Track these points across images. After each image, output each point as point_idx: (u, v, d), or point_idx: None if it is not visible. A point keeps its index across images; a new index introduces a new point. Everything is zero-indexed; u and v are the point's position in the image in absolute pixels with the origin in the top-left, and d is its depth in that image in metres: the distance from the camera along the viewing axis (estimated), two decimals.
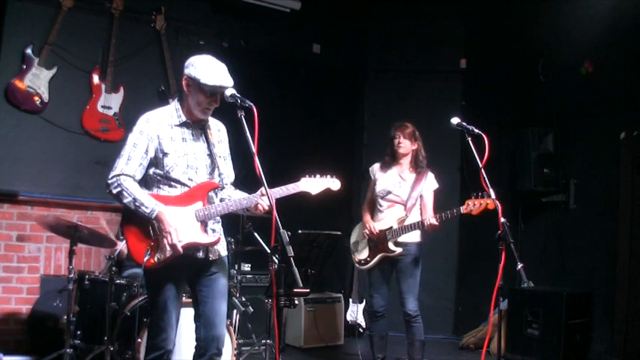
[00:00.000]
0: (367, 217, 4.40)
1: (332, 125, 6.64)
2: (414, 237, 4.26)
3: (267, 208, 2.80)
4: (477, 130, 3.14)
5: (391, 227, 4.23)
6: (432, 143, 6.34)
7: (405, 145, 4.32)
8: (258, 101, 2.67)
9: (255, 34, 6.11)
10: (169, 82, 5.36)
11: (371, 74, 6.98)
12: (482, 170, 3.01)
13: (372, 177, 4.44)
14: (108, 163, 4.96)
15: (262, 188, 2.64)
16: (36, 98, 4.74)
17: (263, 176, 2.58)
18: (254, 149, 2.66)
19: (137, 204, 2.72)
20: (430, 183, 4.34)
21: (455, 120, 3.24)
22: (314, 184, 2.98)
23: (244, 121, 2.77)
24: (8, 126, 4.69)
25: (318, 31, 6.67)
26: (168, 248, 2.73)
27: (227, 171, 3.02)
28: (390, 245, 4.22)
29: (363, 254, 4.37)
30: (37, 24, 4.78)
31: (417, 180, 4.29)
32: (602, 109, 5.44)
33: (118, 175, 2.75)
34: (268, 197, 2.56)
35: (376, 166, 4.46)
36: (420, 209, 4.31)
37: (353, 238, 4.49)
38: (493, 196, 3.20)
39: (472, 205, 3.74)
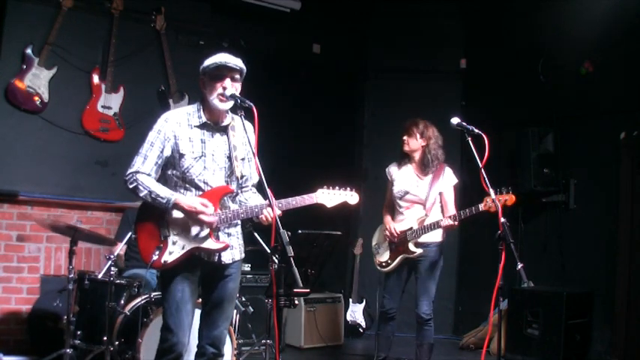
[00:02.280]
0: (387, 218, 4.30)
1: (332, 125, 6.63)
2: (435, 237, 4.14)
3: (270, 220, 2.75)
4: (476, 130, 3.14)
5: (411, 228, 4.12)
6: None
7: (410, 143, 4.21)
8: (258, 101, 2.67)
9: (255, 34, 6.11)
10: (169, 82, 5.36)
11: (371, 74, 6.97)
12: (482, 170, 3.01)
13: (390, 178, 4.32)
14: (108, 163, 5.06)
15: (269, 199, 2.59)
16: (36, 98, 4.74)
17: (263, 176, 2.57)
18: (254, 149, 2.66)
19: (153, 196, 2.74)
20: (448, 179, 4.21)
21: (455, 120, 3.24)
22: (331, 197, 2.92)
23: (244, 121, 2.78)
24: (8, 126, 4.69)
25: (318, 31, 6.67)
26: (180, 245, 2.76)
27: (249, 173, 2.98)
28: (411, 246, 4.11)
29: (384, 256, 4.27)
30: (37, 24, 4.78)
31: (434, 177, 4.17)
32: (602, 109, 5.44)
33: (135, 172, 2.78)
34: (269, 199, 2.55)
35: (392, 167, 4.35)
36: (441, 207, 4.22)
37: (374, 241, 4.41)
38: (493, 195, 3.20)
39: (491, 202, 3.67)
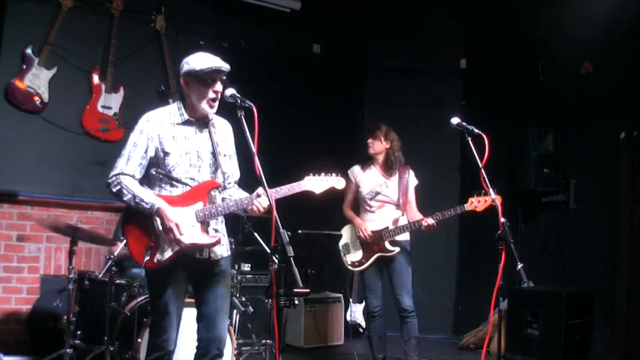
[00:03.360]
0: (358, 219, 4.40)
1: (332, 125, 6.63)
2: (405, 234, 4.32)
3: (262, 209, 2.78)
4: (476, 130, 3.14)
5: (387, 227, 4.26)
6: (432, 143, 6.41)
7: (374, 146, 4.39)
8: (258, 101, 2.67)
9: (255, 34, 6.11)
10: (169, 82, 5.37)
11: (371, 74, 6.97)
12: (483, 170, 3.01)
13: (353, 179, 4.45)
14: (108, 163, 4.96)
15: (259, 188, 2.62)
16: (36, 98, 4.74)
17: (263, 176, 2.57)
18: (254, 149, 2.66)
19: (137, 200, 2.72)
20: (412, 180, 4.41)
21: (455, 120, 3.24)
22: (318, 183, 2.94)
23: (244, 121, 2.77)
24: (8, 126, 4.69)
25: (318, 31, 6.66)
26: (171, 244, 2.73)
27: (232, 170, 2.99)
28: (387, 245, 4.25)
29: (357, 256, 4.37)
30: (37, 24, 4.78)
31: (400, 178, 4.35)
32: (602, 109, 5.44)
33: (118, 174, 2.76)
34: (268, 197, 2.54)
35: (356, 168, 4.49)
36: (404, 207, 4.36)
37: (342, 241, 4.47)
38: (493, 195, 3.20)
39: (476, 202, 3.78)
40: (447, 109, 5.56)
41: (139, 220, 2.79)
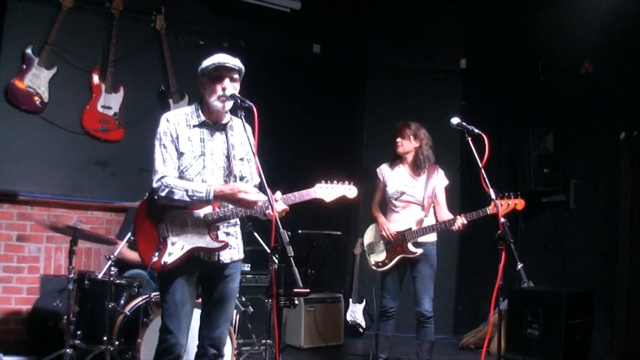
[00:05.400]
0: (382, 218, 4.32)
1: (332, 125, 6.63)
2: (431, 236, 4.21)
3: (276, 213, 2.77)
4: (476, 130, 3.13)
5: (410, 228, 4.16)
6: (432, 143, 6.39)
7: (403, 145, 4.28)
8: (258, 101, 2.67)
9: (255, 34, 6.11)
10: (169, 82, 5.36)
11: (371, 74, 6.98)
12: (483, 170, 3.00)
13: (381, 178, 4.37)
14: (108, 163, 5.06)
15: (274, 194, 2.59)
16: (36, 98, 4.74)
17: (264, 177, 2.57)
18: (254, 149, 2.66)
19: (190, 193, 2.70)
20: (442, 180, 4.31)
21: (455, 120, 3.23)
22: (329, 191, 2.90)
23: (244, 121, 2.78)
24: (8, 126, 4.69)
25: (318, 31, 6.67)
26: (179, 247, 2.75)
27: (251, 173, 2.98)
28: (410, 247, 4.16)
29: (381, 256, 4.29)
30: (37, 24, 4.78)
31: (428, 178, 4.24)
32: (602, 109, 5.44)
33: (161, 177, 2.74)
34: (269, 201, 2.54)
35: (384, 167, 4.40)
36: (434, 207, 4.27)
37: (367, 240, 4.41)
38: (493, 196, 3.20)
39: (500, 206, 3.71)
40: (447, 109, 5.54)
41: (150, 221, 2.79)
